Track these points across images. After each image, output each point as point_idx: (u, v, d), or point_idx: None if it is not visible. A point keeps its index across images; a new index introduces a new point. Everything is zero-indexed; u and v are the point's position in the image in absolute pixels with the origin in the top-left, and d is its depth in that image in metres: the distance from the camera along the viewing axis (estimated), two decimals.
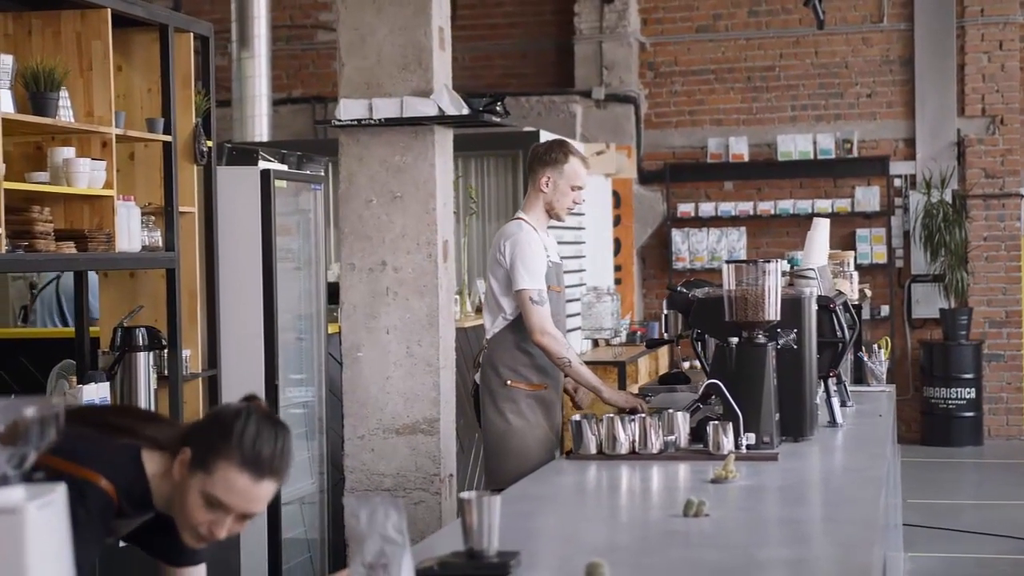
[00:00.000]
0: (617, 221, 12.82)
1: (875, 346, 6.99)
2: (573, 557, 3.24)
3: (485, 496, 2.92)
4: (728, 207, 13.46)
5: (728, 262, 4.88)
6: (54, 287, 7.99)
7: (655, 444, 4.62)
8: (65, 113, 5.48)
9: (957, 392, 12.79)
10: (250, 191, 6.75)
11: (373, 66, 5.80)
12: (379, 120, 5.74)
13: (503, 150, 10.59)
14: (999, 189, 13.20)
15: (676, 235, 13.54)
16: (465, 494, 2.91)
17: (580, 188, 5.65)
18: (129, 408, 3.95)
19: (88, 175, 5.53)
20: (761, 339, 4.80)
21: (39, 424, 1.97)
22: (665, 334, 5.62)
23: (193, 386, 6.33)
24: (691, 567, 3.25)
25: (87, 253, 5.54)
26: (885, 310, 13.20)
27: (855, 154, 13.32)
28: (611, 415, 4.72)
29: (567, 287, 6.53)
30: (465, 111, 5.72)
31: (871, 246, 13.21)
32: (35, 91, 5.34)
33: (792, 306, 4.95)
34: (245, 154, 7.25)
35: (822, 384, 5.42)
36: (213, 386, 6.44)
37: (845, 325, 5.52)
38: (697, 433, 4.72)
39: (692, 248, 13.51)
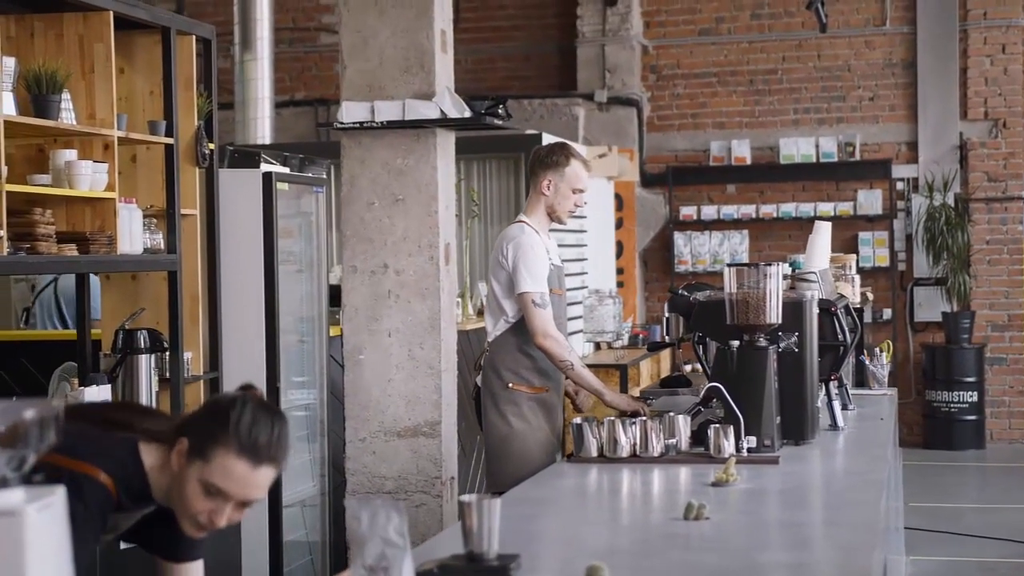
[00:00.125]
0: (619, 224, 12.81)
1: (877, 349, 6.98)
2: (573, 560, 3.24)
3: (485, 499, 2.92)
4: (730, 210, 13.46)
5: (729, 265, 4.88)
6: (52, 289, 8.00)
7: (656, 447, 4.62)
8: (67, 115, 5.48)
9: (959, 395, 12.79)
10: (252, 194, 6.75)
11: (375, 68, 5.80)
12: (381, 123, 5.74)
13: (505, 153, 10.59)
14: (1001, 192, 13.20)
15: (678, 238, 13.54)
16: (465, 497, 2.91)
17: (582, 191, 5.66)
18: (125, 403, 3.98)
19: (90, 177, 5.53)
20: (762, 342, 4.80)
21: (38, 426, 1.97)
22: (666, 337, 5.62)
23: (194, 388, 6.34)
24: (691, 570, 3.25)
25: (89, 255, 5.54)
26: (887, 313, 13.20)
27: (857, 157, 13.32)
28: (612, 418, 4.72)
29: (569, 290, 6.53)
30: (467, 114, 5.72)
31: (873, 249, 13.21)
32: (37, 93, 5.35)
33: (793, 309, 4.95)
34: (247, 156, 7.25)
35: (823, 387, 5.42)
36: (215, 388, 6.44)
37: (846, 328, 5.52)
38: (698, 436, 4.72)
39: (694, 251, 13.51)
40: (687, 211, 13.55)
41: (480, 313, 8.31)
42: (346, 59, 5.84)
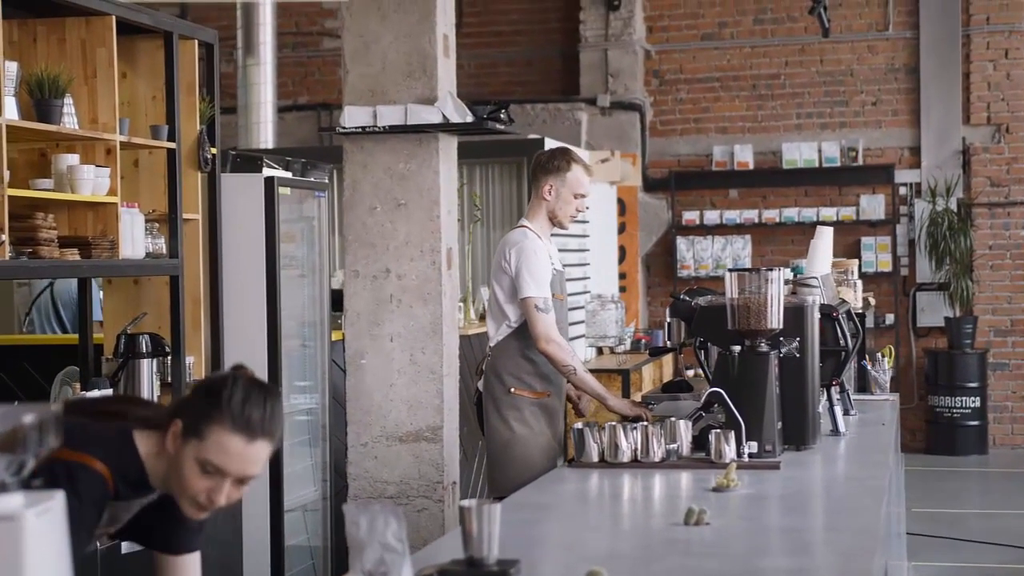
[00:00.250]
0: (622, 229, 12.82)
1: (879, 354, 6.98)
2: (574, 565, 3.24)
3: (485, 504, 2.92)
4: (733, 215, 13.46)
5: (731, 270, 4.88)
6: (49, 294, 8.01)
7: (657, 452, 4.62)
8: (69, 120, 5.49)
9: (962, 401, 12.78)
10: (254, 198, 6.76)
11: (378, 73, 5.81)
12: (383, 127, 5.75)
13: (508, 157, 10.59)
14: (1004, 198, 13.19)
15: (681, 243, 13.54)
16: (465, 502, 2.91)
17: (583, 196, 5.66)
18: (118, 396, 3.99)
19: (92, 182, 5.54)
20: (764, 347, 4.80)
21: (37, 431, 1.97)
22: (668, 342, 5.61)
23: None
24: (691, 575, 3.26)
25: (91, 260, 5.55)
26: (890, 318, 13.20)
27: (860, 162, 13.32)
28: (613, 423, 4.72)
29: (571, 295, 6.53)
30: (469, 119, 5.73)
31: (876, 254, 13.21)
32: (40, 98, 5.36)
33: (795, 314, 4.95)
34: (249, 161, 7.26)
35: (825, 393, 5.41)
36: None
37: (848, 333, 5.52)
38: (699, 441, 4.72)
39: (697, 256, 13.51)
40: (689, 216, 13.55)
41: (482, 317, 8.32)
42: (348, 64, 5.84)
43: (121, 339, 5.96)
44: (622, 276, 12.73)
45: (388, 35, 5.79)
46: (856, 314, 6.34)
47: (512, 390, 5.55)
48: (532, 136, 10.96)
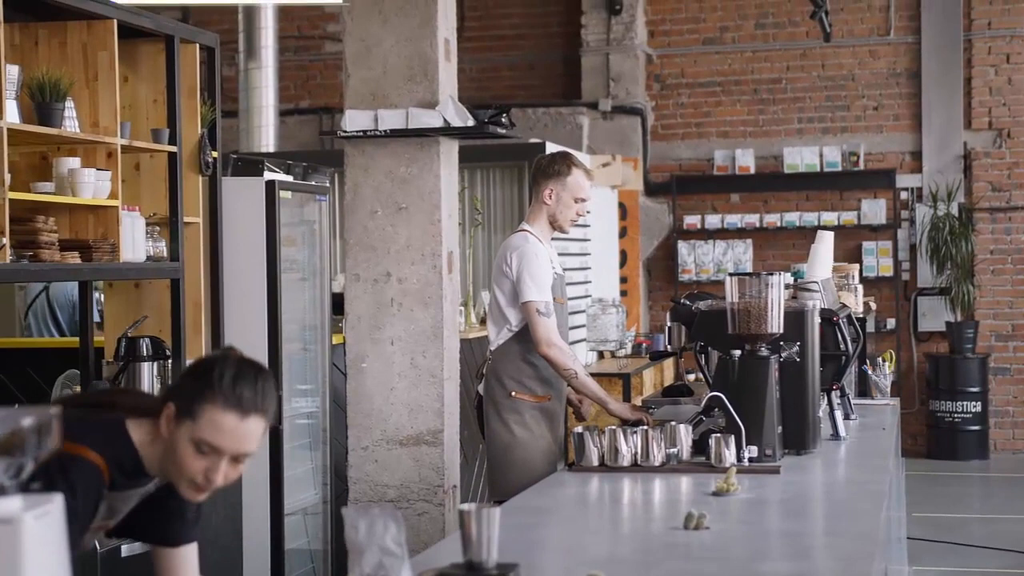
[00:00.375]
0: (623, 233, 12.82)
1: (879, 359, 6.98)
2: (574, 569, 3.24)
3: (484, 508, 2.92)
4: (734, 219, 13.46)
5: (731, 275, 4.88)
6: (44, 298, 8.01)
7: (657, 456, 4.62)
8: (71, 123, 5.49)
9: (963, 405, 12.77)
10: (255, 202, 6.76)
11: (379, 77, 5.81)
12: (384, 131, 5.75)
13: (509, 161, 10.59)
14: (1006, 202, 13.20)
15: (682, 247, 13.54)
16: (464, 506, 2.91)
17: (583, 200, 5.66)
18: (109, 389, 4.01)
19: (93, 185, 5.54)
20: (764, 352, 4.80)
21: (36, 434, 1.98)
22: (669, 347, 5.61)
23: None
24: None
25: (92, 263, 5.55)
26: (891, 323, 13.20)
27: (861, 167, 13.32)
28: (613, 427, 4.72)
29: (572, 299, 6.53)
30: (470, 122, 5.73)
31: (877, 259, 13.21)
32: (41, 101, 5.36)
33: (795, 319, 4.95)
34: (251, 164, 7.28)
35: (825, 397, 5.41)
36: None
37: (848, 338, 5.52)
38: (699, 445, 4.72)
39: (698, 260, 13.52)
40: (691, 220, 13.56)
41: (483, 321, 8.32)
42: (350, 67, 5.85)
43: (122, 342, 5.96)
44: (623, 280, 12.73)
45: (389, 39, 5.80)
46: (857, 318, 6.34)
47: (513, 394, 5.55)
48: (533, 140, 10.96)
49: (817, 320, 5.13)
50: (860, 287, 7.35)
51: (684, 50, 13.76)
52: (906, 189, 13.34)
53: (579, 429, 4.73)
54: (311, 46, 14.38)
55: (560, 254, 5.99)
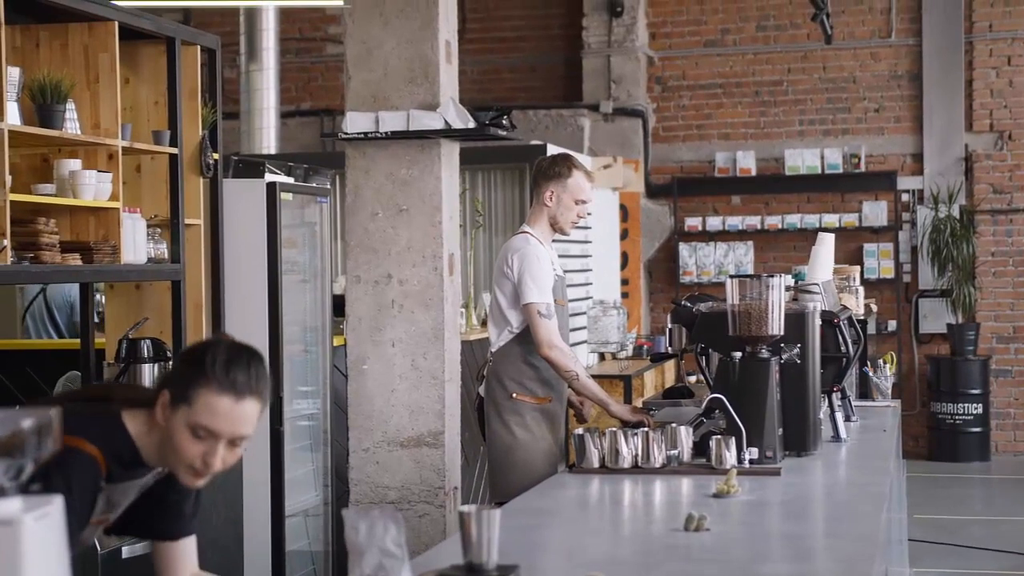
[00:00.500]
0: (624, 235, 12.82)
1: (880, 361, 6.98)
2: (574, 571, 3.24)
3: (484, 509, 2.92)
4: (735, 221, 13.46)
5: (732, 277, 4.88)
6: (42, 299, 8.02)
7: (658, 458, 4.62)
8: (72, 125, 5.49)
9: (964, 407, 12.77)
10: (256, 203, 6.76)
11: (380, 79, 5.81)
12: (385, 133, 5.75)
13: (510, 163, 10.59)
14: (1007, 204, 13.20)
15: (683, 249, 13.54)
16: (464, 507, 2.92)
17: (584, 202, 5.66)
18: (104, 383, 4.03)
19: (94, 187, 5.54)
20: (764, 354, 4.80)
21: (36, 435, 1.98)
22: (669, 348, 5.61)
23: None
24: None
25: (92, 265, 5.55)
26: (892, 325, 13.19)
27: (863, 169, 13.32)
28: (614, 429, 4.72)
29: (573, 300, 6.53)
30: (471, 124, 5.73)
31: (878, 261, 13.21)
32: (42, 103, 5.36)
33: (796, 321, 4.95)
34: (251, 166, 7.28)
35: (826, 399, 5.41)
36: None
37: (849, 340, 5.52)
38: (700, 447, 4.72)
39: (699, 262, 13.52)
40: (692, 222, 13.56)
41: (484, 323, 8.32)
42: (351, 69, 5.85)
43: (123, 344, 5.96)
44: (624, 282, 12.73)
45: (390, 41, 5.80)
46: (857, 320, 6.34)
47: (514, 395, 5.56)
48: (534, 142, 10.96)
49: (818, 322, 5.13)
50: (861, 289, 7.35)
51: (685, 52, 13.76)
52: (907, 191, 13.34)
53: (579, 431, 4.73)
54: (312, 48, 14.38)
55: (561, 256, 5.99)
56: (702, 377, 5.45)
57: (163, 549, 3.25)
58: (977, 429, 12.80)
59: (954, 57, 13.19)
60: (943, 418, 12.83)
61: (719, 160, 13.59)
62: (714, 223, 13.49)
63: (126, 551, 5.23)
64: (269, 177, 7.01)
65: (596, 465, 4.66)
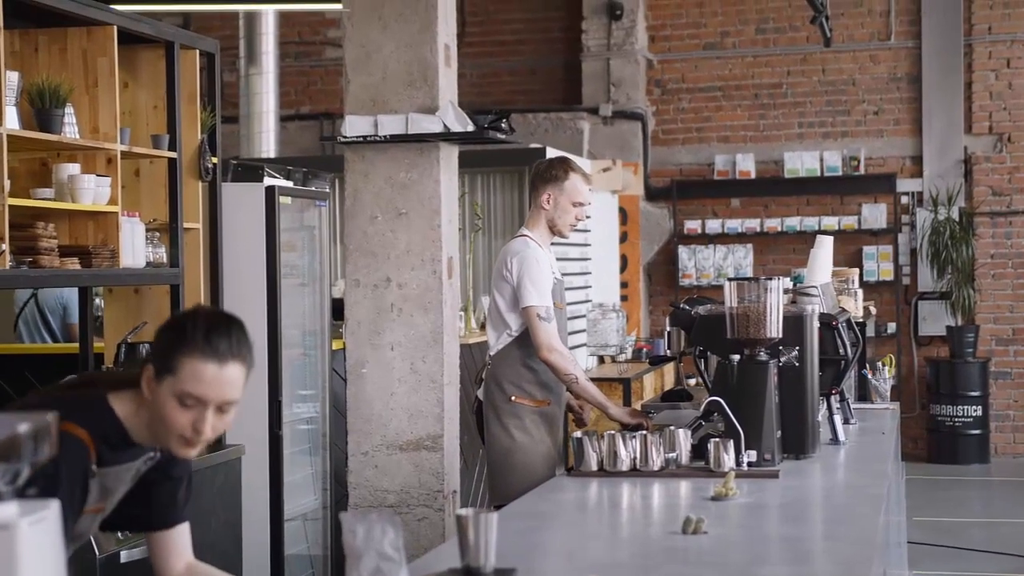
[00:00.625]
0: (623, 238, 12.82)
1: (879, 363, 6.98)
2: (572, 574, 3.24)
3: (482, 513, 2.93)
4: (735, 224, 13.47)
5: (730, 279, 4.88)
6: (34, 304, 8.01)
7: (656, 461, 4.62)
8: (70, 129, 5.50)
9: (964, 410, 12.77)
10: (255, 207, 6.77)
11: (379, 83, 5.81)
12: (384, 136, 5.75)
13: (509, 166, 10.60)
14: (1006, 207, 13.20)
15: (683, 252, 13.55)
16: (462, 511, 2.92)
17: (582, 205, 5.66)
18: (87, 372, 4.04)
19: (93, 191, 5.55)
20: (763, 356, 4.80)
21: (32, 440, 1.98)
22: (668, 351, 5.61)
23: None
24: None
25: (91, 269, 5.56)
26: (892, 327, 13.19)
27: (862, 171, 13.32)
28: (612, 432, 4.72)
29: (572, 304, 6.53)
30: (470, 128, 5.73)
31: (878, 263, 13.22)
32: (41, 107, 5.36)
33: (794, 323, 4.95)
34: (251, 170, 7.27)
35: (824, 401, 5.41)
36: None
37: (848, 342, 5.52)
38: (698, 450, 4.72)
39: (699, 265, 13.52)
40: (691, 225, 13.56)
41: (483, 326, 8.32)
42: (350, 73, 5.85)
43: (121, 348, 5.97)
44: (624, 285, 12.73)
45: (389, 44, 5.80)
46: (856, 323, 6.34)
47: (513, 398, 5.56)
48: (534, 145, 10.98)
49: (816, 324, 5.13)
50: (860, 291, 7.36)
51: (685, 55, 13.77)
52: (907, 193, 13.34)
53: (578, 434, 4.73)
54: (311, 52, 14.39)
55: (560, 259, 5.99)
56: (701, 380, 5.45)
57: (158, 539, 3.27)
58: (976, 431, 12.81)
59: (953, 60, 13.19)
60: (942, 420, 12.84)
61: (718, 163, 13.59)
62: (713, 226, 13.50)
63: (124, 555, 5.24)
64: (268, 181, 7.01)
65: (594, 468, 4.66)
